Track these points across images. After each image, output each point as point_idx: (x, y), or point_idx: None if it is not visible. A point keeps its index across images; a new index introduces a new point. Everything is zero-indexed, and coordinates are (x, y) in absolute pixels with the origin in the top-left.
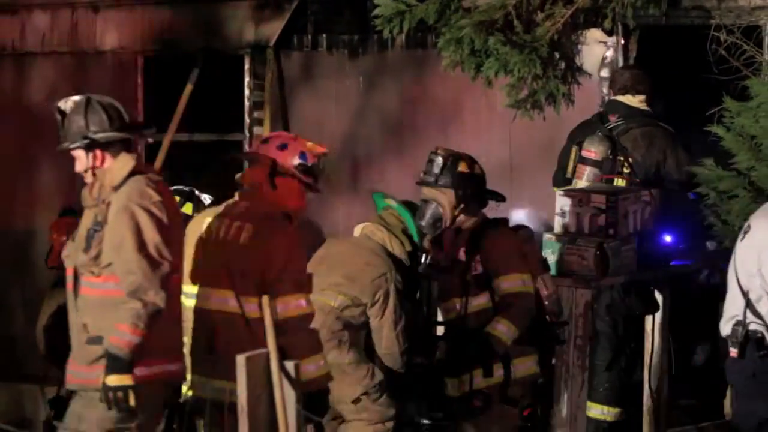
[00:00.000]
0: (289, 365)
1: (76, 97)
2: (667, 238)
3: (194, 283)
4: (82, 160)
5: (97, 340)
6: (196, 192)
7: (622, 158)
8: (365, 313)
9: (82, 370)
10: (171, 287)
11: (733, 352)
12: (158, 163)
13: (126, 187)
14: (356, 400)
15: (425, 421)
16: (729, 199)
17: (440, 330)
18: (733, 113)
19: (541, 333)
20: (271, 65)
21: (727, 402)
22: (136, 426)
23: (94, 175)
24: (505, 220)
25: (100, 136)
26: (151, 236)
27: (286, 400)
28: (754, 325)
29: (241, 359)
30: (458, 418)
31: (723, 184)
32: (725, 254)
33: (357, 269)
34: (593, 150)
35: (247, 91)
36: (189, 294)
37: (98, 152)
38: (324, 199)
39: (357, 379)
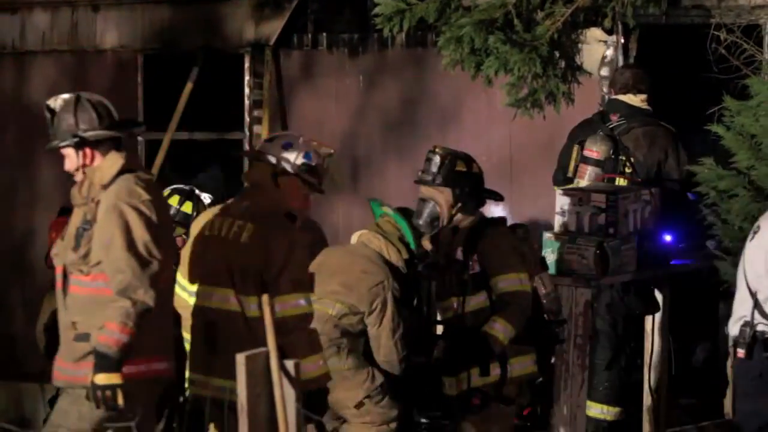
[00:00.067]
0: (289, 364)
1: (66, 95)
2: (667, 238)
3: (195, 281)
4: (71, 159)
5: (84, 337)
6: (196, 191)
7: (623, 158)
8: (363, 321)
9: (69, 367)
10: (161, 286)
11: (741, 352)
12: (158, 162)
13: (115, 185)
14: (359, 405)
15: (423, 420)
16: (729, 198)
17: (439, 329)
18: (733, 112)
19: (539, 332)
20: (271, 64)
21: (727, 401)
22: (134, 425)
23: (83, 173)
24: (503, 219)
25: (89, 134)
26: (141, 235)
27: (286, 399)
28: (762, 326)
29: (240, 358)
30: (456, 417)
31: (723, 183)
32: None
33: (354, 277)
34: (595, 149)
35: (247, 90)
36: (190, 292)
37: (88, 150)
38: (324, 198)
39: (358, 383)
